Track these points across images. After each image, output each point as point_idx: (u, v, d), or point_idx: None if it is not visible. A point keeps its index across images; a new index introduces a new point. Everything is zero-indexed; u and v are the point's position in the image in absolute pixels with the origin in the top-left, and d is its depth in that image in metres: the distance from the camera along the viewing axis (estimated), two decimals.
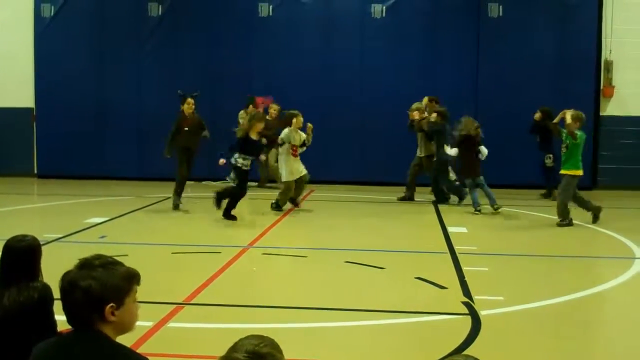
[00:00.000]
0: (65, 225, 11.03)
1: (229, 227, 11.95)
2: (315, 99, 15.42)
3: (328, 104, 16.22)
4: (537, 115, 14.57)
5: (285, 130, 12.95)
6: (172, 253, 9.38)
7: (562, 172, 11.62)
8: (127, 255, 8.55)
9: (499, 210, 12.73)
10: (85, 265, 2.88)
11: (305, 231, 11.39)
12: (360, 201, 14.22)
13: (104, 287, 2.84)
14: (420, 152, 14.17)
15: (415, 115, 14.04)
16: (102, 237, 10.29)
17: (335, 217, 12.65)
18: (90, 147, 17.22)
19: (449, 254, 9.38)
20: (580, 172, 11.51)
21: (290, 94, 15.92)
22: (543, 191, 14.89)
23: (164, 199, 14.22)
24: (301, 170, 12.90)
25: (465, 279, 8.04)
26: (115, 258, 3.00)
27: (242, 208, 12.41)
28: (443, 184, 13.81)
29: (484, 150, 13.12)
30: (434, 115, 13.69)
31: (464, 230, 11.25)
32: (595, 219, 11.72)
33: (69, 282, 2.83)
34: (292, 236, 10.86)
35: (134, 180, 16.29)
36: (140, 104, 16.85)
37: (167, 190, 15.24)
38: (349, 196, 14.18)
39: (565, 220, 11.54)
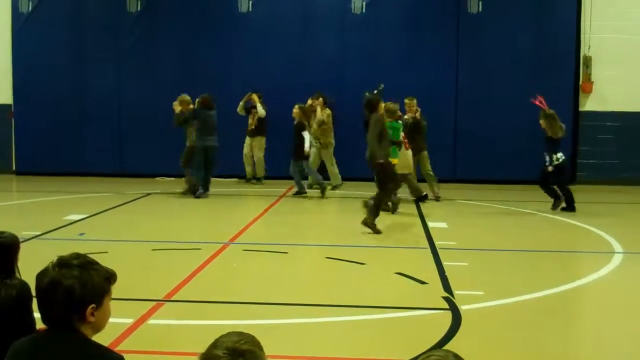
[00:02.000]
0: (44, 222, 10.95)
1: (209, 223, 11.93)
2: (295, 95, 15.39)
3: (306, 96, 16.21)
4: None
5: None
6: (152, 250, 9.34)
7: None
8: (106, 252, 8.53)
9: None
10: (64, 264, 2.85)
11: (286, 227, 11.37)
12: (339, 197, 14.22)
13: (86, 287, 2.82)
14: None
15: None
16: (81, 234, 10.22)
17: (315, 213, 12.65)
18: (69, 144, 17.11)
19: (429, 249, 9.42)
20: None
21: (270, 89, 15.90)
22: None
23: (144, 196, 14.18)
24: None
25: (446, 274, 8.06)
26: (95, 255, 2.98)
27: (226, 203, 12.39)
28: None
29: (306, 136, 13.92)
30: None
31: (444, 225, 11.29)
32: None
33: (50, 282, 2.79)
34: (273, 232, 10.85)
35: (114, 177, 16.21)
36: (119, 100, 16.77)
37: (146, 187, 15.22)
38: (328, 192, 14.16)
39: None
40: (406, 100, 13.69)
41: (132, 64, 17.11)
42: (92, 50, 17.21)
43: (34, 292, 3.00)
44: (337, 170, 14.97)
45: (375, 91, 12.24)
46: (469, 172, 15.52)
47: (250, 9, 16.99)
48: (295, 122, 14.00)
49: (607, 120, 16.55)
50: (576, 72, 16.54)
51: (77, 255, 2.90)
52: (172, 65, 16.96)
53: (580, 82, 16.53)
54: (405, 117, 13.33)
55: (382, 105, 11.04)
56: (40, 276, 2.85)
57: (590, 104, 16.68)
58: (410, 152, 12.90)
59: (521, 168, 15.96)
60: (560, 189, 12.79)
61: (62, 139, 17.13)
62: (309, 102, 14.82)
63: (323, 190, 13.88)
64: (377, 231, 10.26)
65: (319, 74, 16.44)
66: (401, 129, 12.37)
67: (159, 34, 17.12)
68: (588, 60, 16.43)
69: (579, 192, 15.56)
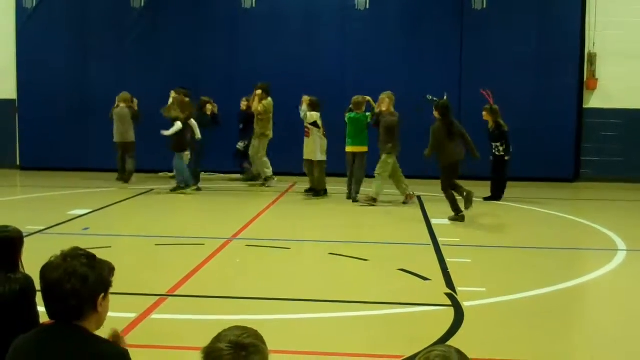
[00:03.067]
0: (48, 217, 10.99)
1: (213, 218, 11.95)
2: (298, 90, 15.38)
3: (309, 92, 16.21)
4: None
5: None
6: (156, 245, 9.37)
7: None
8: (110, 247, 8.55)
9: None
10: (72, 256, 2.86)
11: (289, 223, 11.38)
12: (343, 193, 14.21)
13: (98, 277, 2.85)
14: None
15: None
16: (85, 229, 10.25)
17: (317, 209, 12.65)
18: (73, 139, 17.12)
19: (432, 246, 9.42)
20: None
21: (273, 85, 15.87)
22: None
23: (147, 191, 14.20)
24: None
25: (448, 270, 8.07)
26: (98, 250, 3.00)
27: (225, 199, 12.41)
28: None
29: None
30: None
31: (447, 222, 11.29)
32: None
33: (64, 272, 2.80)
34: (276, 228, 10.86)
35: (117, 173, 16.20)
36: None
37: (150, 182, 15.25)
38: (331, 188, 14.17)
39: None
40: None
41: (135, 59, 17.12)
42: (96, 46, 17.22)
43: (38, 287, 3.01)
44: (267, 163, 14.91)
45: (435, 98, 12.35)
46: (471, 170, 15.45)
47: (254, 5, 16.98)
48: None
49: (612, 118, 16.52)
50: (580, 69, 16.50)
51: (79, 249, 2.92)
52: (175, 60, 16.96)
53: (585, 79, 16.51)
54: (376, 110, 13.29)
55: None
56: (49, 269, 2.84)
57: (594, 101, 16.65)
58: (311, 139, 13.27)
59: (524, 166, 15.94)
60: (494, 179, 13.59)
61: (66, 134, 17.15)
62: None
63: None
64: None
65: (322, 70, 16.43)
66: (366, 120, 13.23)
67: (162, 29, 17.12)
68: (593, 57, 16.40)
69: (583, 189, 15.60)
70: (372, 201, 12.71)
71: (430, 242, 9.71)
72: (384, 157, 12.83)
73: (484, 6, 16.51)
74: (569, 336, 6.47)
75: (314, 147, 13.39)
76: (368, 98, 13.45)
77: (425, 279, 7.76)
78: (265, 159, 14.86)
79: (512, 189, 15.09)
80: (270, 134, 14.82)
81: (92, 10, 17.28)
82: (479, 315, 6.62)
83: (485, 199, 13.45)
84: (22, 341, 2.88)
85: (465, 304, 6.78)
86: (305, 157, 13.57)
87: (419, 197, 13.54)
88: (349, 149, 13.25)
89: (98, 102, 16.92)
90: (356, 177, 13.25)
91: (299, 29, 16.85)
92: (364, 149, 13.22)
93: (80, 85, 17.12)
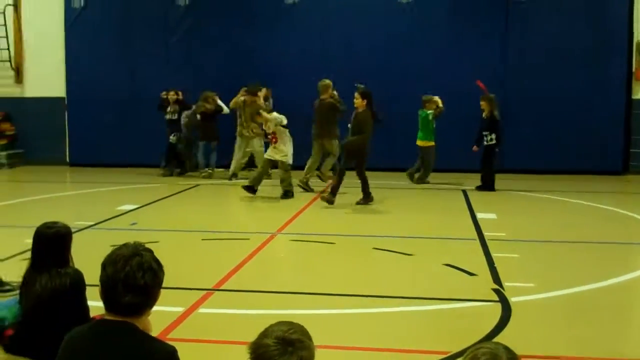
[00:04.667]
0: (97, 212, 11.14)
1: (257, 213, 12.00)
2: (341, 86, 15.35)
3: (353, 91, 16.17)
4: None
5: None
6: (202, 239, 9.43)
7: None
8: (158, 242, 8.63)
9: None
10: (142, 249, 2.87)
11: (333, 217, 11.38)
12: (386, 187, 14.17)
13: (163, 274, 2.88)
14: None
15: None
16: (133, 223, 10.37)
17: (354, 204, 12.62)
18: (120, 136, 17.36)
19: (478, 241, 9.33)
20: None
21: (315, 80, 15.87)
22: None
23: (193, 186, 14.32)
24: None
25: (495, 265, 7.98)
26: (146, 245, 3.00)
27: (271, 193, 12.44)
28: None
29: None
30: None
31: (493, 216, 11.17)
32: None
33: (139, 265, 2.77)
34: (320, 222, 10.86)
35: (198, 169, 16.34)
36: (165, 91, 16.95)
37: (195, 178, 15.37)
38: (375, 182, 14.11)
39: None
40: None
41: (180, 57, 17.27)
42: (142, 43, 17.42)
43: (88, 281, 3.03)
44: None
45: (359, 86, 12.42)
46: (517, 162, 15.32)
47: (296, 1, 16.99)
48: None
49: None
50: (629, 59, 16.18)
51: (140, 244, 2.93)
52: (219, 57, 17.06)
53: (634, 69, 16.17)
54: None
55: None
56: (118, 261, 2.79)
57: None
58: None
59: (572, 158, 15.75)
60: (483, 169, 13.73)
61: (114, 131, 17.39)
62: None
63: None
64: None
65: (366, 64, 16.37)
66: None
67: (206, 27, 17.23)
68: None
69: (632, 182, 15.31)
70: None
71: (476, 236, 9.61)
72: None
73: None
74: (620, 333, 6.34)
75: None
76: (436, 98, 14.38)
77: (471, 274, 7.68)
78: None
79: (560, 181, 14.92)
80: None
81: (139, 8, 17.48)
82: (526, 311, 6.53)
83: (477, 187, 13.71)
84: (77, 334, 2.87)
85: (512, 300, 6.69)
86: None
87: (464, 191, 13.44)
88: (417, 142, 14.62)
89: (144, 99, 17.13)
90: (424, 167, 14.46)
91: (342, 23, 16.80)
92: (428, 143, 14.46)
93: (127, 83, 17.34)
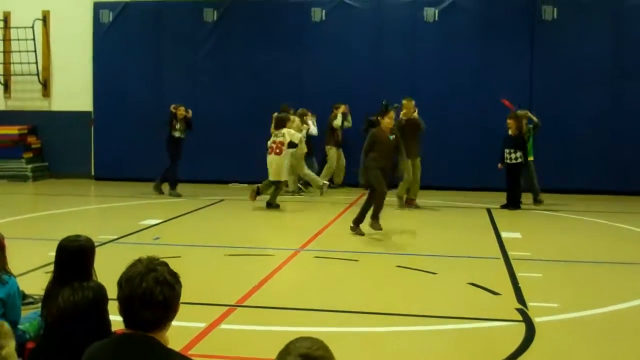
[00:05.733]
0: (121, 226, 11.19)
1: (281, 229, 11.99)
2: (366, 103, 15.36)
3: (377, 106, 16.16)
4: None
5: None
6: (225, 255, 9.42)
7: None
8: (180, 256, 8.64)
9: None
10: (157, 264, 2.85)
11: (356, 235, 11.33)
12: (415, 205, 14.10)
13: (180, 287, 2.86)
14: None
15: None
16: (156, 238, 10.39)
17: (387, 220, 12.57)
18: (146, 151, 17.38)
19: (502, 260, 9.25)
20: None
21: (341, 97, 15.93)
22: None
23: (217, 202, 14.35)
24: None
25: (519, 285, 7.90)
26: (169, 260, 2.99)
27: (294, 209, 12.40)
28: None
29: None
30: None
31: (517, 235, 11.08)
32: None
33: (155, 280, 2.76)
34: (344, 239, 10.82)
35: (188, 183, 16.41)
36: (195, 108, 16.97)
37: (219, 192, 15.41)
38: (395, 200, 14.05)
39: None
40: (403, 101, 13.54)
41: (207, 73, 17.36)
42: (169, 59, 17.54)
43: (110, 296, 3.02)
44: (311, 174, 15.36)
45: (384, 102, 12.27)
46: (543, 182, 15.16)
47: (323, 18, 17.04)
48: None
49: None
50: None
51: (155, 257, 2.92)
52: (247, 74, 17.13)
53: None
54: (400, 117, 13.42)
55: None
56: (135, 277, 2.78)
57: None
58: (279, 157, 13.43)
59: (599, 178, 15.61)
60: (509, 187, 13.63)
61: (139, 146, 17.46)
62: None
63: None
64: None
65: (391, 83, 16.35)
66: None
67: (233, 43, 17.32)
68: None
69: None
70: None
71: (500, 255, 9.53)
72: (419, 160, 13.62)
73: (555, 17, 16.22)
74: None
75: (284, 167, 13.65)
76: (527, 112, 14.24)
77: (495, 293, 7.61)
78: (307, 171, 15.26)
79: (586, 201, 14.78)
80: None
81: (166, 24, 17.61)
82: (550, 331, 6.44)
83: (503, 206, 13.61)
84: (98, 349, 2.87)
85: (536, 320, 6.61)
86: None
87: (488, 210, 13.36)
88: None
89: (169, 114, 17.16)
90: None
91: (367, 42, 16.81)
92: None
93: (154, 99, 17.39)
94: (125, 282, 2.79)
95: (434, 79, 16.39)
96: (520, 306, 7.08)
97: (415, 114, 13.37)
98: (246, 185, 15.86)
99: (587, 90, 15.92)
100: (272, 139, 13.68)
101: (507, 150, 13.54)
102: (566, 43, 16.14)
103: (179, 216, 12.53)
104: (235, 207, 14.02)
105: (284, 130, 13.56)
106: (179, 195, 14.91)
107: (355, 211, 13.06)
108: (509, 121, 13.66)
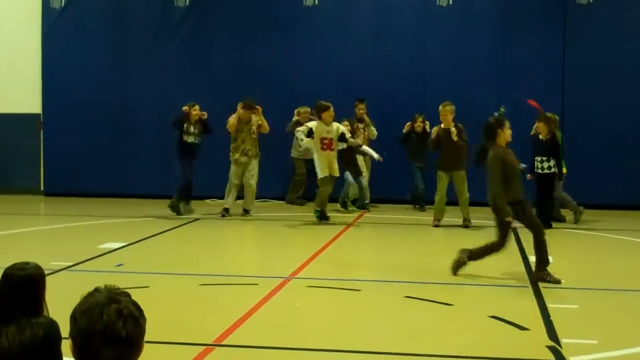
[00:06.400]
0: (76, 251, 11.17)
1: (268, 253, 11.98)
2: (369, 101, 15.43)
3: (381, 104, 16.23)
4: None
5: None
6: (200, 285, 9.41)
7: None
8: (147, 286, 8.62)
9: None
10: (118, 294, 2.85)
11: (359, 260, 11.33)
12: (422, 224, 14.11)
13: (145, 320, 2.86)
14: None
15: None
16: (119, 265, 10.37)
17: (392, 242, 12.58)
18: (106, 161, 17.41)
19: (530, 288, 9.26)
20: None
21: (336, 92, 15.90)
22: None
23: (191, 221, 14.33)
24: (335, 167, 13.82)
25: (551, 318, 7.91)
26: (135, 290, 2.99)
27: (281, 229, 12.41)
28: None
29: None
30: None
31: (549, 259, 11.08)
32: None
33: (118, 312, 2.73)
34: (343, 265, 10.82)
35: (157, 199, 16.41)
36: (165, 108, 16.97)
37: (194, 209, 15.36)
38: (409, 218, 14.12)
39: None
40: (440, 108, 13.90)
41: (179, 66, 17.37)
42: (134, 51, 17.55)
43: (65, 333, 3.01)
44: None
45: (496, 114, 12.15)
46: (576, 194, 15.21)
47: (316, 2, 17.12)
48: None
49: None
50: None
51: (115, 287, 2.91)
52: (227, 67, 17.17)
53: None
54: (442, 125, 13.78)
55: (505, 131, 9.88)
56: (94, 310, 2.75)
57: None
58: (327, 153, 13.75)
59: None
60: (539, 202, 13.50)
61: (97, 154, 17.45)
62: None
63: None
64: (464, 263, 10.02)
65: (397, 77, 16.42)
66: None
67: (211, 31, 17.36)
68: None
69: None
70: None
71: (528, 283, 9.55)
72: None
73: (591, 0, 16.31)
74: None
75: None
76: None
77: (522, 328, 7.61)
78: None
79: (624, 218, 14.80)
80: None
81: (130, 8, 17.64)
82: None
83: None
84: None
85: (571, 359, 6.63)
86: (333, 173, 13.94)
87: (514, 229, 13.36)
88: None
89: (135, 116, 17.20)
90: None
91: (369, 28, 16.89)
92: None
93: (115, 97, 17.41)
94: (82, 315, 2.78)
95: (448, 74, 16.45)
96: (552, 343, 7.09)
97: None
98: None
99: (625, 81, 15.99)
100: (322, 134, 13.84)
101: (537, 159, 13.58)
102: (603, 30, 16.22)
103: (145, 239, 12.52)
104: (212, 227, 14.00)
105: (335, 124, 13.86)
106: (190, 211, 15.01)
107: (355, 231, 13.07)
108: (538, 124, 13.74)
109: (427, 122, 15.27)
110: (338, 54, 16.86)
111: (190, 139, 14.86)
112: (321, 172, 13.71)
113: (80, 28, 17.73)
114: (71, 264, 10.27)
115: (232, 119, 14.70)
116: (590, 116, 16.05)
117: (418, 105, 15.85)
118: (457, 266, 9.91)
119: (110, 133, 17.47)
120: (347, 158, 14.75)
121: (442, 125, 13.72)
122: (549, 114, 14.00)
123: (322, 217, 13.89)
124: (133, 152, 17.31)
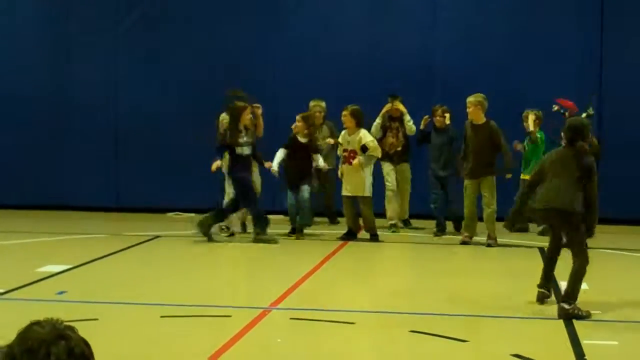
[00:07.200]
0: (9, 275, 11.14)
1: (243, 279, 11.97)
2: (360, 99, 15.39)
3: (379, 106, 16.24)
4: None
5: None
6: (161, 317, 9.39)
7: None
8: (97, 319, 8.59)
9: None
10: (64, 327, 2.83)
11: (353, 286, 11.33)
12: (431, 243, 14.12)
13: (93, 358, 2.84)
14: None
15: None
16: (61, 292, 10.34)
17: (396, 264, 12.60)
18: (46, 167, 17.34)
19: (561, 322, 9.27)
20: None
21: (326, 92, 15.88)
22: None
23: (150, 239, 14.30)
24: None
25: (585, 357, 7.92)
26: (82, 323, 2.97)
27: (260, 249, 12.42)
28: None
29: None
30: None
31: (583, 286, 11.10)
32: None
33: (68, 350, 2.71)
34: (334, 293, 10.84)
35: (108, 212, 16.38)
36: (116, 104, 16.99)
37: (153, 226, 15.35)
38: (414, 235, 14.11)
39: None
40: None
41: (131, 55, 17.32)
42: (76, 38, 17.47)
43: None
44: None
45: (584, 115, 12.22)
46: (615, 208, 15.24)
47: None
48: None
49: None
50: None
51: (59, 321, 2.89)
52: (188, 56, 17.11)
53: None
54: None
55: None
56: (37, 347, 2.76)
57: None
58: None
59: None
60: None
61: (36, 160, 17.38)
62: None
63: None
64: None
65: (399, 67, 16.43)
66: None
67: (170, 12, 17.33)
68: None
69: None
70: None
71: (556, 314, 9.55)
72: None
73: None
74: None
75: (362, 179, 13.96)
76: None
77: None
78: None
79: None
80: None
81: None
82: None
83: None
84: None
85: None
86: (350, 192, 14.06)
87: (540, 250, 13.39)
88: None
89: (82, 116, 17.13)
90: None
91: (366, 10, 16.92)
92: None
93: (58, 95, 17.34)
94: (22, 354, 2.75)
95: (460, 63, 16.47)
96: None
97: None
98: (192, 214, 15.83)
99: None
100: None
101: None
102: None
103: (93, 260, 12.48)
104: (175, 246, 13.97)
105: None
106: (271, 241, 14.04)
107: (347, 253, 13.10)
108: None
109: (448, 113, 14.88)
110: (327, 45, 16.74)
111: (245, 151, 13.98)
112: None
113: (12, 15, 17.65)
114: (2, 291, 10.23)
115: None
116: (629, 116, 16.03)
117: (422, 103, 15.82)
118: (574, 317, 9.40)
119: (50, 134, 17.36)
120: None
121: (473, 121, 13.68)
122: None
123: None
124: (75, 157, 17.21)
